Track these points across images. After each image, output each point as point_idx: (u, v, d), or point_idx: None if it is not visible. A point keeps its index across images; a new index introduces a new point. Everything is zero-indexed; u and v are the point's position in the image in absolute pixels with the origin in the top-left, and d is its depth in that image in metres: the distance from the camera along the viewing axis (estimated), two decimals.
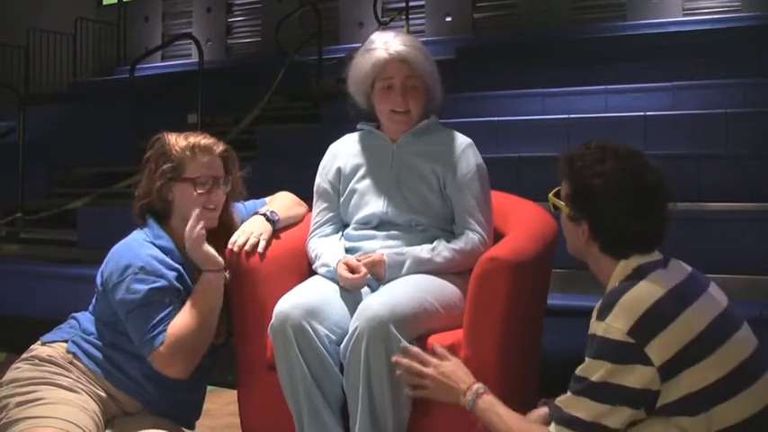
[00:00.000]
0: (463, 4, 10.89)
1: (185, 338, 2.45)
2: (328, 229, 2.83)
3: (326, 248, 2.73)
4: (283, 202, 2.93)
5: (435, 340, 2.47)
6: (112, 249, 2.58)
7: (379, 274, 2.61)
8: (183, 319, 2.46)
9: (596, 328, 1.87)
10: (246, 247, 2.65)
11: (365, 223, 2.77)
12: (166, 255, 2.55)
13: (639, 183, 1.96)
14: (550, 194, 2.13)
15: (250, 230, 2.71)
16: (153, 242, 2.56)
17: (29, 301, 5.14)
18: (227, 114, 8.47)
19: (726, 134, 5.25)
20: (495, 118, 6.07)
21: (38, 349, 2.56)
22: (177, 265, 2.55)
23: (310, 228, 2.86)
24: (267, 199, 2.96)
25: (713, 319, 1.87)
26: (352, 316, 2.47)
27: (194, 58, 8.79)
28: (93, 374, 2.53)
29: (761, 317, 3.13)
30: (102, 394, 2.52)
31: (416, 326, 2.45)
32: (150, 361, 2.46)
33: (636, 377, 1.81)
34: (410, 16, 10.38)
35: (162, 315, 2.45)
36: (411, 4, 10.44)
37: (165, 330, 2.44)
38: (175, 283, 2.50)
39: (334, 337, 2.48)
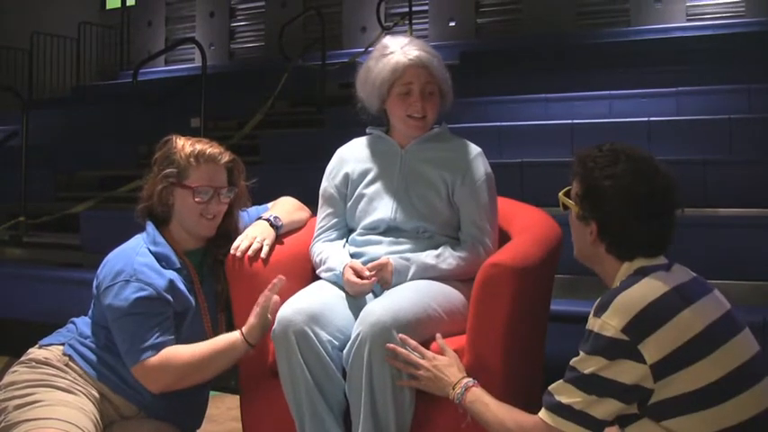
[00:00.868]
0: (467, 8, 10.89)
1: (177, 369, 2.46)
2: (333, 234, 2.82)
3: (332, 253, 2.73)
4: (286, 208, 2.92)
5: (439, 346, 2.47)
6: (108, 255, 2.59)
7: (386, 279, 2.60)
8: (186, 354, 2.47)
9: (593, 324, 1.90)
10: (249, 252, 2.65)
11: (372, 228, 2.76)
12: (162, 261, 2.55)
13: (649, 187, 1.97)
14: (560, 193, 2.14)
15: (253, 235, 2.70)
16: (149, 248, 2.56)
17: (32, 304, 5.14)
18: (230, 119, 8.47)
19: (730, 139, 5.24)
20: (499, 123, 6.07)
21: (35, 352, 2.57)
22: (172, 273, 2.55)
23: (315, 232, 2.85)
24: (270, 204, 2.96)
25: (713, 321, 1.88)
26: (355, 321, 2.46)
27: (197, 63, 8.77)
28: (89, 377, 2.53)
29: (765, 322, 3.12)
30: (99, 397, 2.53)
31: (419, 331, 2.44)
32: (131, 370, 2.47)
33: (627, 373, 1.84)
34: (413, 21, 10.39)
35: (148, 326, 2.45)
36: (414, 8, 10.45)
37: (151, 347, 2.44)
38: (165, 294, 2.49)
39: (336, 342, 2.47)
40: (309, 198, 3.02)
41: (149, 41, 13.39)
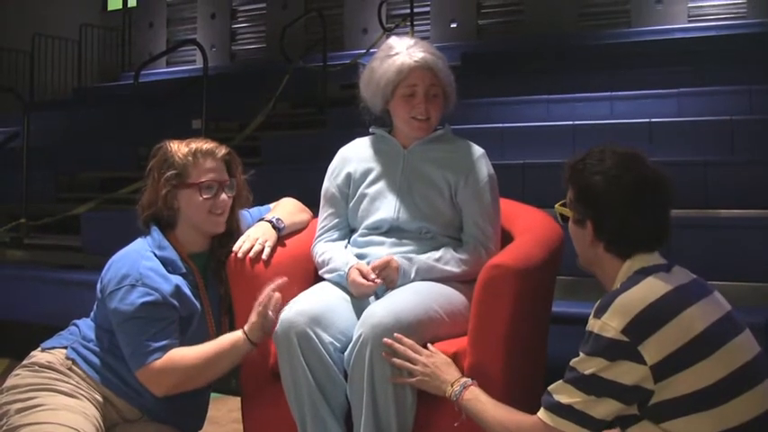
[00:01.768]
0: (468, 10, 10.89)
1: (181, 371, 2.47)
2: (335, 234, 2.82)
3: (336, 253, 2.72)
4: (288, 209, 2.92)
5: (440, 347, 2.46)
6: (113, 257, 2.58)
7: (391, 277, 2.60)
8: (189, 356, 2.47)
9: (593, 325, 1.91)
10: (251, 254, 2.65)
11: (375, 228, 2.75)
12: (168, 266, 2.55)
13: (637, 175, 2.00)
14: (557, 205, 2.16)
15: (255, 237, 2.70)
16: (155, 252, 2.55)
17: (33, 306, 5.14)
18: (231, 120, 8.47)
19: (731, 140, 5.24)
20: (500, 124, 6.07)
21: (37, 356, 2.57)
22: (178, 278, 2.54)
23: (317, 232, 2.85)
24: (272, 205, 2.95)
25: (713, 322, 1.89)
26: (357, 323, 2.45)
27: (199, 64, 8.76)
28: (92, 380, 2.53)
29: (766, 323, 3.11)
30: (102, 401, 2.53)
31: (421, 333, 2.43)
32: (136, 374, 2.47)
33: (627, 374, 1.84)
34: (415, 22, 10.38)
35: (153, 332, 2.45)
36: (416, 10, 10.45)
37: (156, 350, 2.44)
38: (171, 299, 2.49)
39: (338, 344, 2.47)
40: (311, 199, 3.01)
41: (151, 43, 13.40)
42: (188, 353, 2.47)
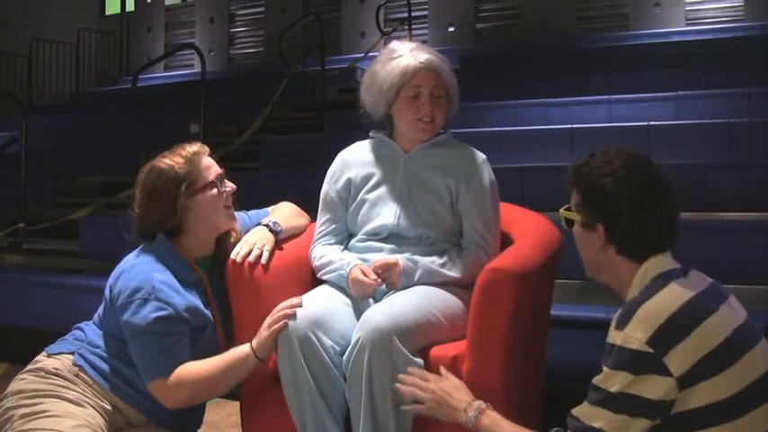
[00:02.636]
0: (466, 13, 10.90)
1: (192, 386, 2.46)
2: (333, 239, 2.82)
3: (336, 254, 2.73)
4: (286, 213, 2.92)
5: (438, 351, 2.47)
6: (124, 266, 2.56)
7: (392, 281, 2.60)
8: (200, 370, 2.47)
9: (615, 337, 1.85)
10: (250, 258, 2.64)
11: (374, 234, 2.75)
12: (179, 276, 2.54)
13: (645, 177, 1.97)
14: (561, 210, 2.11)
15: (253, 241, 2.70)
16: (166, 263, 2.54)
17: (31, 311, 5.13)
18: (229, 124, 8.47)
19: (729, 143, 5.24)
20: (498, 128, 6.06)
21: (44, 361, 2.55)
22: (190, 290, 2.54)
23: (315, 236, 2.85)
24: (270, 209, 2.95)
25: (732, 331, 1.84)
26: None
27: (197, 69, 8.78)
28: (100, 387, 2.52)
29: (766, 326, 3.11)
30: (108, 407, 2.52)
31: (419, 337, 2.43)
32: (148, 386, 2.47)
33: (654, 388, 1.79)
34: (413, 26, 10.38)
35: (166, 346, 2.45)
36: (414, 14, 10.45)
37: (169, 365, 2.44)
38: (184, 313, 2.49)
39: (338, 348, 2.47)
40: (309, 203, 3.01)
41: (149, 47, 13.40)
42: (198, 368, 2.47)
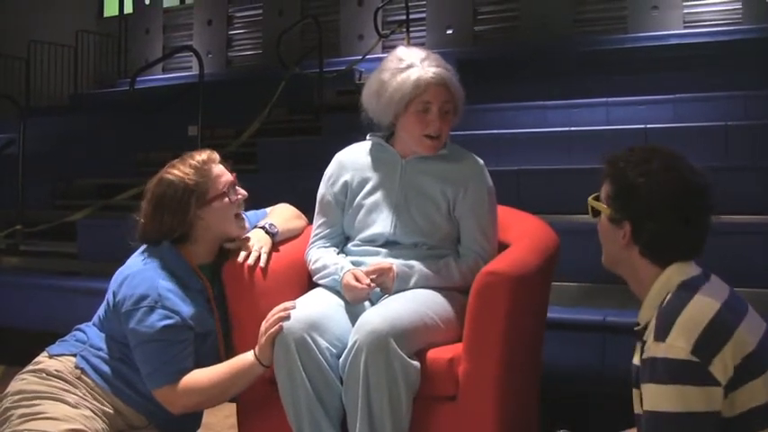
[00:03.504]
0: (464, 16, 10.90)
1: (198, 393, 2.48)
2: (329, 242, 2.82)
3: (330, 258, 2.72)
4: (283, 215, 2.92)
5: (435, 354, 2.47)
6: (128, 271, 2.55)
7: (386, 285, 2.60)
8: (206, 378, 2.48)
9: (656, 350, 1.77)
10: (249, 261, 2.64)
11: (370, 241, 2.75)
12: (183, 282, 2.54)
13: (685, 184, 1.92)
14: (590, 198, 2.05)
15: (250, 245, 2.69)
16: (170, 269, 2.54)
17: (28, 313, 5.12)
18: (227, 127, 8.46)
19: (726, 146, 5.24)
20: (496, 130, 6.06)
21: (45, 362, 2.55)
22: (194, 297, 2.55)
23: (311, 238, 2.85)
24: (268, 209, 2.95)
25: (761, 337, 1.81)
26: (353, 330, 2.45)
27: (195, 71, 8.79)
28: (102, 390, 2.52)
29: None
30: (110, 410, 2.52)
31: (416, 340, 2.44)
32: (154, 393, 2.47)
33: (708, 399, 1.72)
34: (411, 29, 10.37)
35: (172, 354, 2.46)
36: (412, 16, 10.44)
37: (175, 372, 2.45)
38: (189, 321, 2.49)
39: (335, 350, 2.47)
40: (306, 205, 3.01)
41: (147, 49, 13.39)
42: (204, 375, 2.48)
